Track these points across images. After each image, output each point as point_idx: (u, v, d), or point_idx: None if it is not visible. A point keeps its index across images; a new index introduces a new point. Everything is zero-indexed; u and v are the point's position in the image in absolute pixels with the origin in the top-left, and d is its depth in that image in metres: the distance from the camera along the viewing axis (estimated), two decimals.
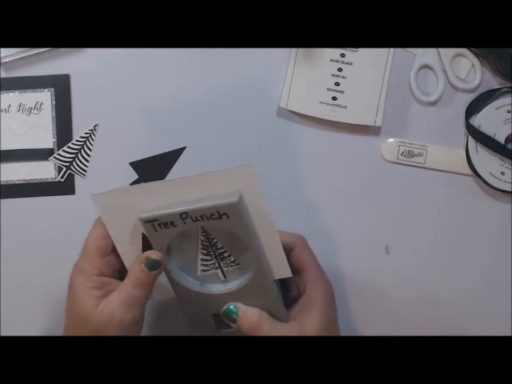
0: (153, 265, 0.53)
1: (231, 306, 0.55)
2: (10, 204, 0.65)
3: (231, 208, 0.51)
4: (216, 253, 0.54)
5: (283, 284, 0.58)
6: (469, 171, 0.65)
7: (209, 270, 0.55)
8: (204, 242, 0.54)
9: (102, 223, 0.55)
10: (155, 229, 0.52)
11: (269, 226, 0.53)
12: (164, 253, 0.53)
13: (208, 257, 0.55)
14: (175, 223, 0.52)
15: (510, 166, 0.64)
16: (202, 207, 0.51)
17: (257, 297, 0.55)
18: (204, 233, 0.53)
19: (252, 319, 0.54)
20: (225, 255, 0.54)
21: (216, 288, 0.55)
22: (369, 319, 0.67)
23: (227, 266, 0.55)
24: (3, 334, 0.65)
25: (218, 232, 0.53)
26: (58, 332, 0.59)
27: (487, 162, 0.64)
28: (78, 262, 0.55)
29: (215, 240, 0.54)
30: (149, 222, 0.52)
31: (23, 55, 0.64)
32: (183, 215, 0.51)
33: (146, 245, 0.54)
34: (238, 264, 0.55)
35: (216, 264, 0.55)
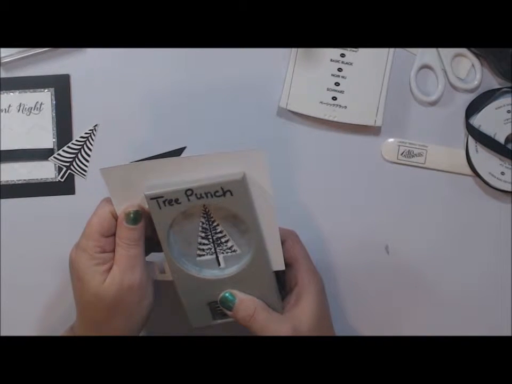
0: (135, 218, 0.54)
1: (228, 294, 0.56)
2: (10, 204, 0.65)
3: (235, 185, 0.52)
4: (214, 237, 0.55)
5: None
6: (469, 171, 0.65)
7: (205, 255, 0.55)
8: (204, 225, 0.55)
9: (107, 204, 0.55)
10: (159, 206, 0.53)
11: (271, 213, 0.54)
12: (166, 235, 0.54)
13: (206, 241, 0.55)
14: (179, 200, 0.52)
15: (510, 166, 0.64)
16: (207, 184, 0.52)
17: (254, 284, 0.56)
18: (205, 215, 0.54)
19: (248, 308, 0.55)
20: (223, 240, 0.55)
21: (214, 273, 0.56)
22: (369, 319, 0.67)
23: (223, 253, 0.55)
24: (3, 334, 0.65)
25: (219, 213, 0.54)
26: (58, 331, 0.59)
27: (487, 162, 0.64)
28: (79, 241, 0.55)
29: (215, 224, 0.54)
30: (154, 199, 0.52)
31: (23, 55, 0.64)
32: (188, 192, 0.52)
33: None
34: (234, 250, 0.55)
35: (212, 250, 0.55)
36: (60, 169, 0.65)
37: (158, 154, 0.65)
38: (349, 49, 0.64)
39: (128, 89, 0.65)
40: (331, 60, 0.64)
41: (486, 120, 0.64)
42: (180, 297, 0.56)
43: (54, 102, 0.65)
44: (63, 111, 0.65)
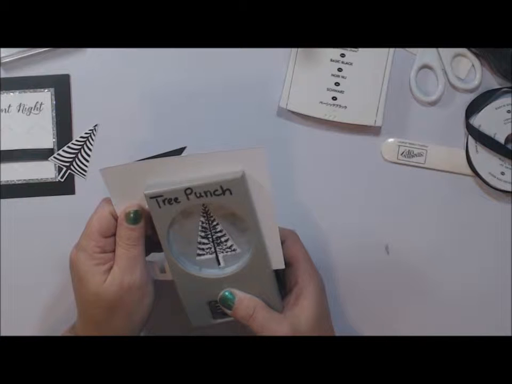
0: (135, 217, 0.54)
1: (227, 293, 0.56)
2: (10, 204, 0.65)
3: (234, 184, 0.52)
4: (214, 237, 0.55)
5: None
6: (469, 171, 0.65)
7: (204, 254, 0.56)
8: (204, 224, 0.55)
9: (106, 204, 0.55)
10: (159, 206, 0.53)
11: (270, 211, 0.54)
12: (166, 234, 0.54)
13: (206, 241, 0.55)
14: (178, 199, 0.53)
15: (510, 166, 0.64)
16: (206, 183, 0.52)
17: (254, 283, 0.56)
18: (204, 214, 0.54)
19: (248, 308, 0.55)
20: (223, 239, 0.55)
21: (214, 273, 0.56)
22: (369, 319, 0.67)
23: (222, 252, 0.55)
24: (3, 334, 0.65)
25: (219, 212, 0.54)
26: (59, 331, 0.59)
27: (487, 162, 0.64)
28: (79, 241, 0.55)
29: (215, 223, 0.55)
30: (154, 198, 0.53)
31: (23, 55, 0.64)
32: (188, 191, 0.52)
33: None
34: (234, 250, 0.55)
35: (212, 249, 0.55)
36: (60, 169, 0.65)
37: (158, 154, 0.64)
38: (349, 49, 0.64)
39: (128, 89, 0.65)
40: (331, 60, 0.64)
41: (486, 120, 0.64)
42: (179, 297, 0.57)
43: (54, 102, 0.65)
44: (63, 111, 0.65)
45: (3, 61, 0.63)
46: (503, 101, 0.64)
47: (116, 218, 0.55)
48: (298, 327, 0.55)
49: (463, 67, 0.65)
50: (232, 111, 0.65)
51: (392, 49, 0.64)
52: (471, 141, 0.64)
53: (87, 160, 0.65)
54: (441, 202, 0.66)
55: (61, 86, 0.65)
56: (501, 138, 0.64)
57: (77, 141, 0.65)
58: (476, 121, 0.64)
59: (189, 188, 0.52)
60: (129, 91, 0.65)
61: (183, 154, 0.65)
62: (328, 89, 0.64)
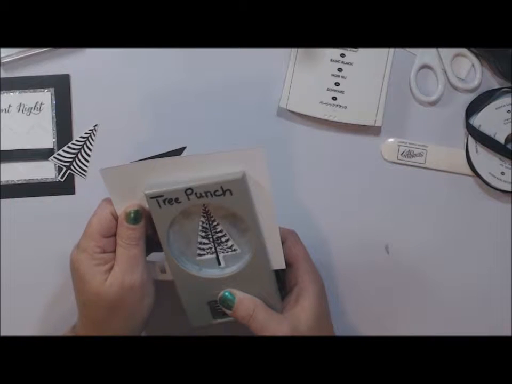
0: (135, 217, 0.54)
1: (227, 293, 0.56)
2: (10, 204, 0.65)
3: (234, 184, 0.52)
4: (214, 237, 0.55)
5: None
6: (469, 171, 0.65)
7: (205, 254, 0.56)
8: (204, 224, 0.55)
9: (107, 204, 0.55)
10: (159, 206, 0.53)
11: (270, 211, 0.54)
12: (166, 234, 0.54)
13: (206, 241, 0.55)
14: (179, 199, 0.53)
15: (510, 166, 0.64)
16: (207, 183, 0.52)
17: (254, 283, 0.56)
18: (205, 214, 0.54)
19: (248, 308, 0.55)
20: (223, 239, 0.55)
21: (214, 273, 0.56)
22: (369, 319, 0.67)
23: (223, 252, 0.56)
24: (3, 334, 0.65)
25: (219, 212, 0.54)
26: (58, 331, 0.59)
27: (487, 162, 0.64)
28: (79, 242, 0.55)
29: (215, 223, 0.55)
30: (154, 198, 0.53)
31: (23, 55, 0.64)
32: (188, 191, 0.52)
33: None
34: (234, 250, 0.55)
35: (213, 249, 0.55)
36: (60, 169, 0.65)
37: (158, 154, 0.64)
38: (349, 49, 0.64)
39: (128, 89, 0.65)
40: (331, 60, 0.64)
41: (486, 120, 0.64)
42: (179, 297, 0.57)
43: (54, 102, 0.65)
44: (63, 111, 0.65)
45: (3, 61, 0.64)
46: (503, 101, 0.64)
47: (116, 218, 0.55)
48: (298, 327, 0.55)
49: (463, 67, 0.65)
50: (232, 111, 0.65)
51: (392, 49, 0.64)
52: (471, 141, 0.64)
53: (87, 160, 0.65)
54: (441, 202, 0.66)
55: (61, 86, 0.65)
56: (501, 138, 0.64)
57: (77, 141, 0.65)
58: (476, 121, 0.64)
59: (189, 188, 0.52)
60: (129, 91, 0.65)
61: (183, 154, 0.65)
62: (328, 89, 0.64)
